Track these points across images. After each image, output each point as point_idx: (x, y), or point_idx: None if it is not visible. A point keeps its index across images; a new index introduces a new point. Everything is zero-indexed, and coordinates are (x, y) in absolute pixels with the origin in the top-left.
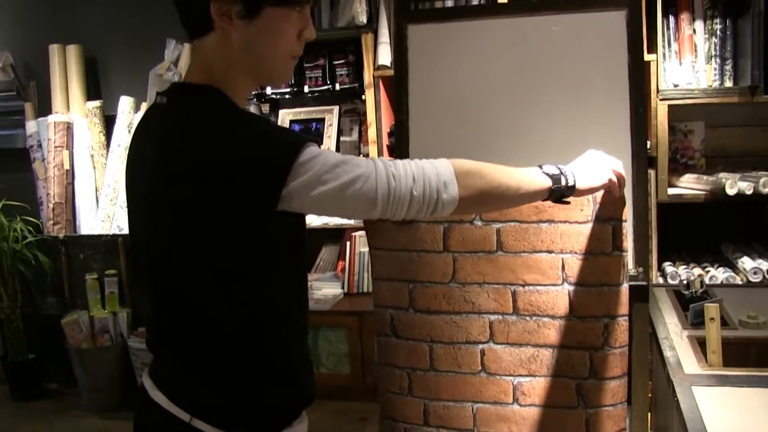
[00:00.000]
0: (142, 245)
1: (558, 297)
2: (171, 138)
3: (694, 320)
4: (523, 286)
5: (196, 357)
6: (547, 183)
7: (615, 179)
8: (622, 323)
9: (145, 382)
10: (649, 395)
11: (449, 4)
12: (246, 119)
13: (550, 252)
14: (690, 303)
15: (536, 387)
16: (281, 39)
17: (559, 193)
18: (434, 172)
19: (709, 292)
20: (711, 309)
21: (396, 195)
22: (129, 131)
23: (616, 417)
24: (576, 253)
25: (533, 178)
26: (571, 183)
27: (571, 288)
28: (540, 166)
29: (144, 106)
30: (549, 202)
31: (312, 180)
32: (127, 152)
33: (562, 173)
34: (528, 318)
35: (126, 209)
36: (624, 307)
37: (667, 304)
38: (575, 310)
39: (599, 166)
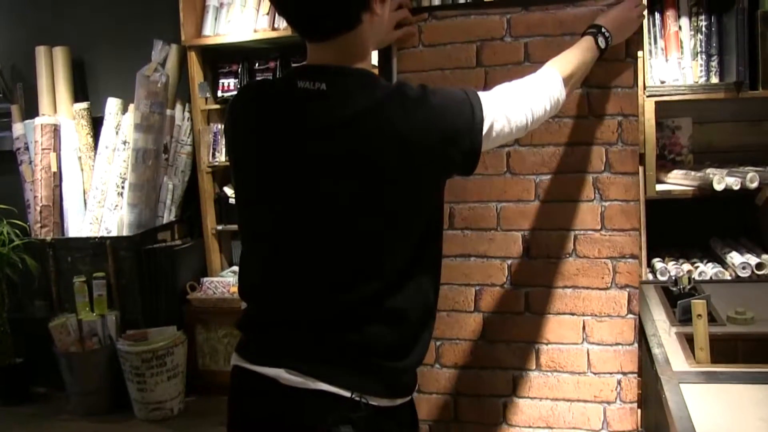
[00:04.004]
0: (298, 231)
1: (575, 99)
2: (359, 118)
3: (682, 317)
4: None
5: (384, 328)
6: (598, 52)
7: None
8: (633, 122)
9: (277, 373)
10: (639, 392)
11: (435, 2)
12: (422, 92)
13: None
14: (678, 299)
15: (556, 183)
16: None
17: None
18: (555, 95)
19: (698, 288)
20: (698, 306)
21: (537, 121)
22: (116, 133)
23: (628, 213)
24: None
25: (593, 54)
26: (610, 44)
27: (589, 90)
28: (594, 38)
29: (131, 108)
30: None
31: (489, 129)
32: (252, 136)
33: (607, 42)
34: (550, 120)
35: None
36: (634, 108)
37: (655, 301)
38: (592, 110)
39: (627, 20)
